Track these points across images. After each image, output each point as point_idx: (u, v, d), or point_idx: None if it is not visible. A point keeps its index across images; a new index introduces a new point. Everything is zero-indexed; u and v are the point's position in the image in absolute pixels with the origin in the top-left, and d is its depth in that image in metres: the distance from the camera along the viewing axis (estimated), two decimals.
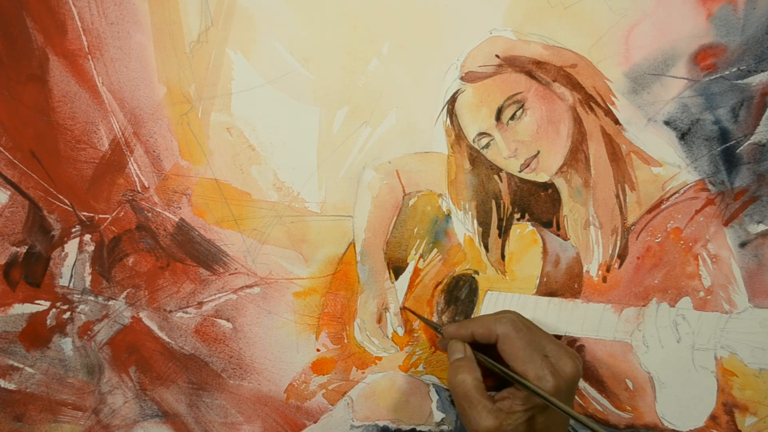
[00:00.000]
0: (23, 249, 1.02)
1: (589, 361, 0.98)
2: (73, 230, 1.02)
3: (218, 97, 0.97)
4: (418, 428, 1.03)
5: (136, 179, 1.00)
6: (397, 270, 1.02)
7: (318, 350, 1.04)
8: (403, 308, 1.00)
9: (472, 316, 1.00)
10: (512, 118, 0.93)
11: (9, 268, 1.02)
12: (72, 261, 1.02)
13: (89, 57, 0.97)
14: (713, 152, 0.92)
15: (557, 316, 0.96)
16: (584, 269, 0.97)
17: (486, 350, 0.86)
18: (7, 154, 0.99)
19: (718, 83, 0.90)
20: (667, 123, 0.92)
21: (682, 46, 0.90)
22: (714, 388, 0.93)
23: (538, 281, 0.97)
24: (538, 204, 0.98)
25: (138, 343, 1.04)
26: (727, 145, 0.91)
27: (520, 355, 0.80)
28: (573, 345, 0.98)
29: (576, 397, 0.99)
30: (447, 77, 0.95)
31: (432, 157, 0.98)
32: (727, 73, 0.90)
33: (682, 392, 0.93)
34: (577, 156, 0.94)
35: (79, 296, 1.03)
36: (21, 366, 1.04)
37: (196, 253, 1.01)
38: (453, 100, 0.95)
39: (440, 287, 1.02)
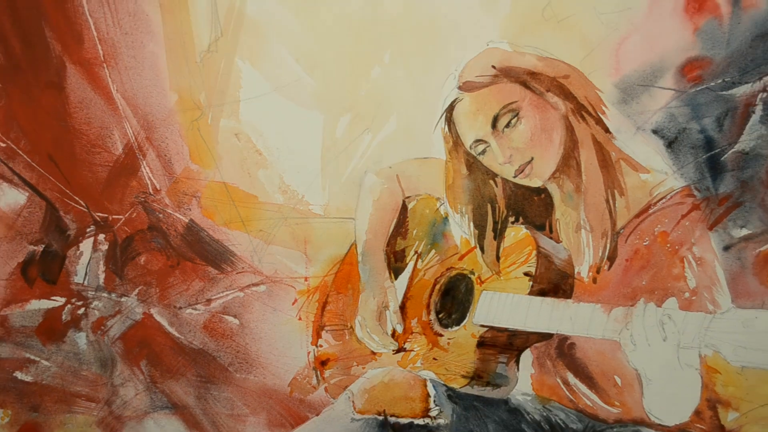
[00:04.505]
0: (40, 248, 1.06)
1: (580, 358, 1.01)
2: (88, 230, 1.05)
3: (227, 104, 1.01)
4: (415, 421, 1.05)
5: (149, 182, 1.04)
6: (396, 270, 1.05)
7: (320, 346, 1.07)
8: None
9: (468, 314, 1.03)
10: (507, 125, 0.96)
11: (27, 265, 1.06)
12: (87, 259, 1.06)
13: (104, 65, 1.01)
14: (699, 160, 0.95)
15: (549, 315, 0.98)
16: (575, 271, 1.00)
17: None
18: (25, 157, 1.04)
19: (704, 94, 0.93)
20: (654, 132, 0.95)
21: (669, 59, 0.93)
22: (698, 384, 0.94)
23: (531, 282, 1.00)
24: (532, 208, 1.01)
25: (149, 338, 1.07)
26: (712, 153, 0.94)
27: None
28: (564, 343, 1.01)
29: (567, 392, 1.02)
30: (445, 86, 0.98)
31: (431, 163, 1.02)
32: (712, 84, 0.93)
33: (668, 388, 0.96)
34: (569, 162, 0.97)
35: (93, 293, 1.07)
36: (37, 359, 1.08)
37: (205, 253, 1.05)
38: (451, 108, 0.98)
39: (438, 287, 1.05)
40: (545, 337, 1.01)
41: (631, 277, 0.98)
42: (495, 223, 1.01)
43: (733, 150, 0.94)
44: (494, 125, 0.96)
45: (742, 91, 0.92)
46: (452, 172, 1.01)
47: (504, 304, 1.00)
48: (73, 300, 1.07)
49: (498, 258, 1.01)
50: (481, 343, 1.01)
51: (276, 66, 0.99)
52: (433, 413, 1.04)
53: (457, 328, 1.04)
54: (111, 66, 1.00)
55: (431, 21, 0.97)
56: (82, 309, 1.07)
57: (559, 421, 1.02)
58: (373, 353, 1.06)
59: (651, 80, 0.94)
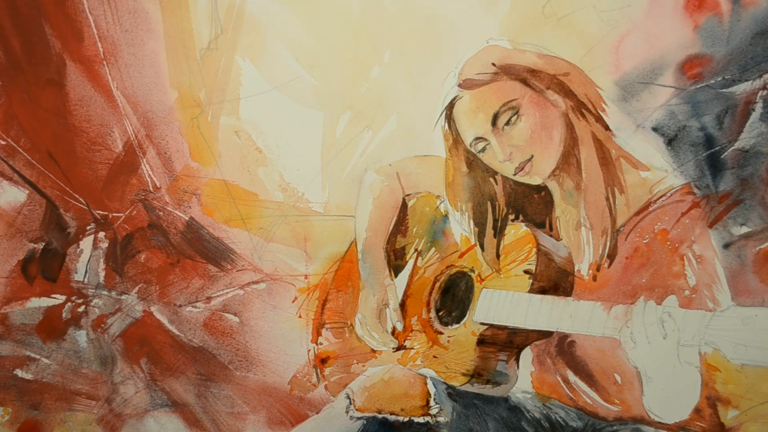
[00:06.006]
0: (40, 245, 1.07)
1: (580, 356, 1.01)
2: (88, 228, 1.06)
3: (227, 102, 1.01)
4: (415, 419, 1.06)
5: (149, 179, 1.05)
6: (396, 268, 1.06)
7: (321, 344, 1.08)
8: None
9: (468, 312, 1.04)
10: (507, 123, 0.97)
11: (27, 263, 1.07)
12: (87, 257, 1.07)
13: (104, 63, 1.01)
14: (699, 157, 0.95)
15: (549, 313, 0.99)
16: (575, 268, 1.01)
17: None
18: (25, 154, 1.04)
19: (704, 92, 0.94)
20: (654, 129, 0.96)
21: (669, 56, 0.94)
22: (698, 382, 0.95)
23: (531, 279, 1.00)
24: (532, 206, 1.02)
25: (149, 335, 1.08)
26: (712, 150, 0.95)
27: None
28: (564, 341, 1.02)
29: (567, 390, 1.03)
30: (445, 84, 0.98)
31: (431, 161, 1.02)
32: (712, 82, 0.94)
33: (668, 386, 0.96)
34: (569, 160, 0.98)
35: (93, 291, 1.08)
36: (38, 357, 1.09)
37: (205, 251, 1.05)
38: (451, 105, 0.98)
39: (438, 284, 1.05)
40: (545, 335, 1.02)
41: (631, 274, 0.98)
42: (495, 220, 1.02)
43: (733, 147, 0.94)
44: (494, 123, 0.97)
45: (742, 88, 0.93)
46: (452, 169, 1.01)
47: (504, 301, 1.01)
48: (74, 298, 1.08)
49: (498, 256, 1.02)
50: (481, 341, 1.02)
51: (276, 64, 1.00)
52: (433, 411, 1.04)
53: (457, 326, 1.04)
54: (111, 63, 1.01)
55: (430, 19, 0.97)
56: (83, 307, 1.08)
57: (559, 419, 1.03)
58: (373, 351, 1.07)
59: (651, 78, 0.95)
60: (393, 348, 1.07)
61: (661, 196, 0.96)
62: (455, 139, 1.00)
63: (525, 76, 0.96)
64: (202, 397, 1.09)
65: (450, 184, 1.02)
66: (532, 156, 0.97)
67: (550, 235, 1.02)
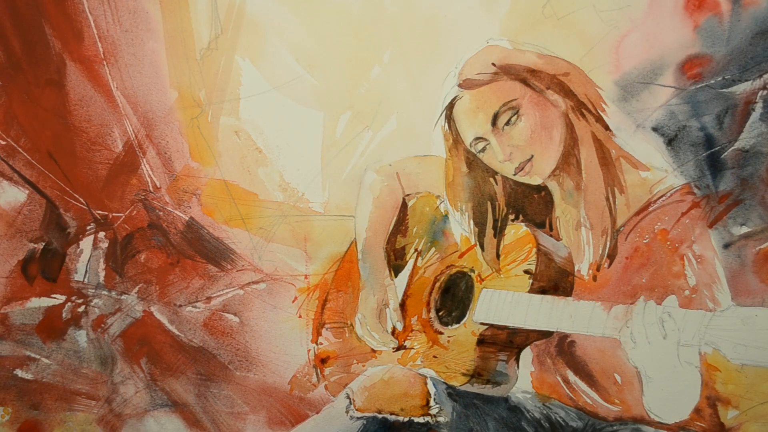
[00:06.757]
0: (40, 245, 1.07)
1: (580, 356, 1.02)
2: (88, 228, 1.06)
3: (227, 102, 1.01)
4: (415, 419, 1.06)
5: (149, 179, 1.05)
6: (396, 268, 1.06)
7: (321, 344, 1.08)
8: None
9: (468, 312, 1.04)
10: (507, 123, 0.97)
11: (27, 263, 1.07)
12: (87, 257, 1.07)
13: (104, 63, 1.01)
14: (699, 157, 0.96)
15: (549, 313, 0.99)
16: (575, 268, 1.01)
17: None
18: (25, 155, 1.04)
19: (704, 92, 0.94)
20: (655, 129, 0.96)
21: (670, 56, 0.94)
22: (698, 382, 0.96)
23: (531, 280, 1.00)
24: (532, 206, 1.02)
25: (149, 335, 1.08)
26: (712, 150, 0.95)
27: None
28: (564, 341, 1.02)
29: (567, 390, 1.03)
30: (445, 84, 0.99)
31: (431, 161, 1.02)
32: (712, 82, 0.94)
33: (668, 386, 0.97)
34: (569, 160, 0.98)
35: (93, 291, 1.08)
36: (38, 357, 1.09)
37: (205, 251, 1.06)
38: (451, 105, 0.99)
39: (438, 284, 1.06)
40: (545, 334, 1.02)
41: (631, 274, 0.98)
42: (495, 220, 1.02)
43: (733, 147, 0.94)
44: (494, 123, 0.97)
45: (742, 88, 0.93)
46: (452, 169, 1.01)
47: (504, 301, 1.01)
48: (74, 298, 1.08)
49: (498, 256, 1.02)
50: (481, 341, 1.02)
51: (276, 64, 1.00)
52: (433, 411, 1.05)
53: (457, 326, 1.05)
54: (111, 63, 1.01)
55: (430, 19, 0.97)
56: (83, 307, 1.08)
57: (559, 419, 1.03)
58: (373, 351, 1.07)
59: (651, 78, 0.95)
60: (393, 348, 1.07)
61: (661, 196, 0.97)
62: (455, 139, 1.00)
63: (525, 76, 0.96)
64: (202, 397, 1.09)
65: (450, 184, 1.02)
66: (532, 156, 0.97)
67: (550, 235, 1.02)
